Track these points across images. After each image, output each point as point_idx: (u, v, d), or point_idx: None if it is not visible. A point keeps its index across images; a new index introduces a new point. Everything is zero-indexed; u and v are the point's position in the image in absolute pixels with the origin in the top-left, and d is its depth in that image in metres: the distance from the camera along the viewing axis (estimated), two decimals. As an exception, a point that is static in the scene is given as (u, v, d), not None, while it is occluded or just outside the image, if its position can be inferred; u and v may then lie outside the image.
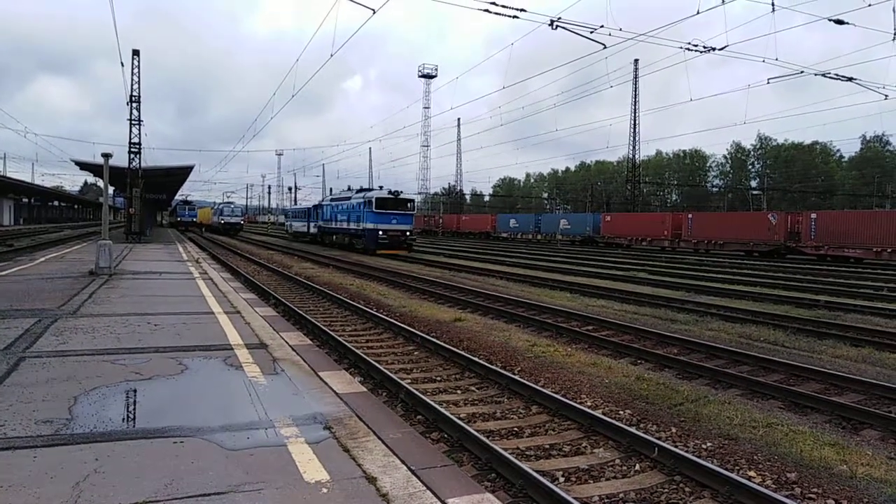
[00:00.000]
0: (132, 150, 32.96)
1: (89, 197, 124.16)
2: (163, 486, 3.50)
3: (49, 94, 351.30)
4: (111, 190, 44.71)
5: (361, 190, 40.57)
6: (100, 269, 15.58)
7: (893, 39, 16.48)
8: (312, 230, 49.55)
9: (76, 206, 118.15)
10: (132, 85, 32.56)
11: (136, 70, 32.55)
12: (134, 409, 5.04)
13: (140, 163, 33.48)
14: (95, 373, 5.96)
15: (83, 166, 38.61)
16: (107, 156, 17.34)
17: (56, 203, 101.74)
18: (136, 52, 32.78)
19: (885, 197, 73.76)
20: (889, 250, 31.24)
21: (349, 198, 40.01)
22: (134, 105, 32.74)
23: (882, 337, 11.48)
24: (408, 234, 36.33)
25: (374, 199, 35.14)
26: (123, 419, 4.74)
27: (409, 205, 37.03)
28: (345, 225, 39.56)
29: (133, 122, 32.88)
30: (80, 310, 9.82)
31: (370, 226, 34.93)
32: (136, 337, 7.82)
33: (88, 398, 5.14)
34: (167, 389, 5.60)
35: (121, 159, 32.13)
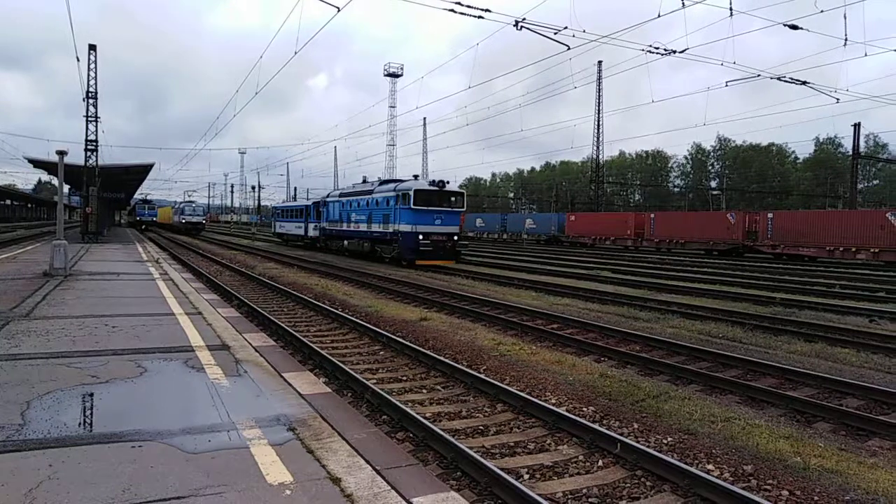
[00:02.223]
0: (89, 147, 32.06)
1: (43, 196, 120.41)
2: (120, 491, 3.42)
3: (1, 89, 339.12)
4: (67, 188, 43.48)
5: (387, 181, 31.00)
6: (54, 270, 15.12)
7: (844, 45, 17.09)
8: (312, 233, 40.09)
9: (30, 206, 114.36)
10: (89, 81, 31.69)
11: (92, 65, 31.67)
12: (90, 413, 4.91)
13: (97, 161, 32.58)
14: (50, 376, 5.79)
15: (37, 164, 37.46)
16: (61, 153, 16.82)
17: (8, 202, 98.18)
18: (92, 47, 31.88)
19: (838, 197, 76.22)
20: (841, 249, 32.34)
21: (370, 191, 30.76)
22: (91, 101, 31.85)
23: (834, 333, 11.89)
24: (455, 238, 27.48)
25: (411, 192, 26.24)
26: (79, 424, 4.61)
27: (456, 199, 27.67)
28: (364, 227, 30.78)
29: (90, 118, 32.00)
30: (33, 312, 9.52)
31: (406, 228, 26.39)
32: (93, 339, 7.61)
33: (42, 403, 4.99)
34: (125, 393, 5.47)
35: (77, 157, 31.23)
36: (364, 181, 34.51)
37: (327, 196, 37.69)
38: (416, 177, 29.05)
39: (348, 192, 34.59)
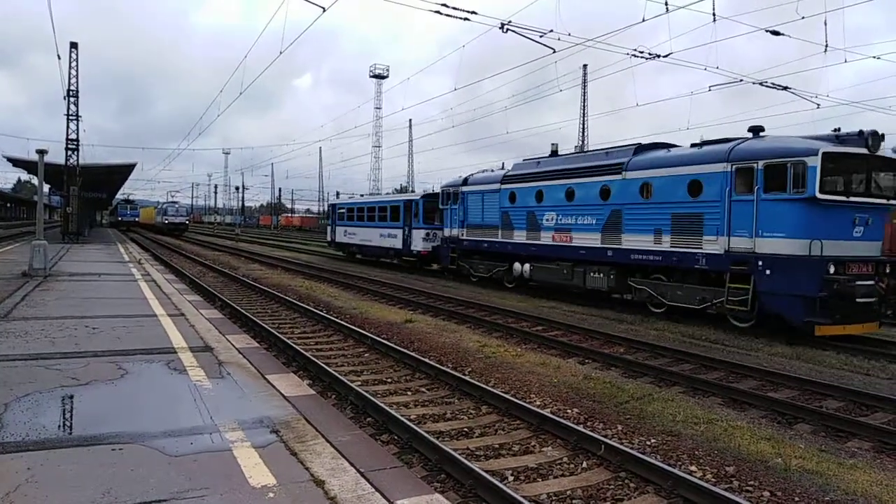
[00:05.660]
0: (70, 146, 31.67)
1: (23, 195, 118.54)
2: (100, 494, 3.37)
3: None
4: (47, 188, 42.90)
5: (653, 146, 15.58)
6: (34, 271, 14.89)
7: (825, 51, 17.32)
8: (419, 245, 24.98)
9: (8, 205, 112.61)
10: (70, 79, 31.29)
11: (73, 63, 31.28)
12: (70, 415, 4.84)
13: (78, 160, 32.19)
14: (28, 378, 5.69)
15: (16, 163, 36.94)
16: (41, 152, 16.59)
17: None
18: (73, 45, 31.53)
19: (818, 202, 77.28)
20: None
21: (601, 168, 15.83)
22: (72, 100, 31.47)
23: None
24: (889, 269, 11.93)
25: (813, 162, 11.13)
26: (59, 426, 4.54)
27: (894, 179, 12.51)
28: (583, 237, 16.28)
29: (70, 117, 31.61)
30: (11, 313, 9.37)
31: (789, 246, 11.42)
32: (73, 341, 7.51)
33: (20, 405, 4.90)
34: (106, 395, 5.39)
35: (58, 156, 30.81)
36: (554, 153, 20.30)
37: (462, 184, 21.99)
38: (749, 136, 13.02)
39: (519, 173, 19.36)
